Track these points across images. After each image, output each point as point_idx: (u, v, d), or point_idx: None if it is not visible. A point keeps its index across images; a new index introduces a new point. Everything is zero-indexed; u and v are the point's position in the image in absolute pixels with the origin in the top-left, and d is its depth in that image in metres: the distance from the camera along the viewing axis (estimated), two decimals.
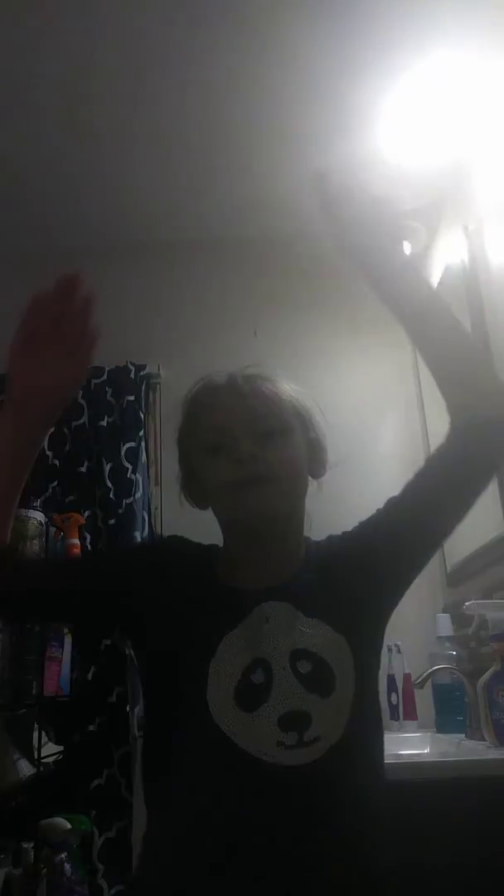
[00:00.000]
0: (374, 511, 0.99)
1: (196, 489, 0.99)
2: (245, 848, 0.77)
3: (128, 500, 2.28)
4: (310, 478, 0.98)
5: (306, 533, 0.98)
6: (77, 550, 1.99)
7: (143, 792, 0.91)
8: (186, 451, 0.99)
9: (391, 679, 2.03)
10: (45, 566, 1.23)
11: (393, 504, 0.99)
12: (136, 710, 2.00)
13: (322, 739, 0.81)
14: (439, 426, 2.28)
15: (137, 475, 2.33)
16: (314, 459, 0.98)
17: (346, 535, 0.98)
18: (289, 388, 0.98)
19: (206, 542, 0.99)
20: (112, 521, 2.26)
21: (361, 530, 0.97)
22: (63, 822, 1.76)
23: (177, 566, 0.94)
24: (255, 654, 0.84)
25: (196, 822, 0.80)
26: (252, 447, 0.89)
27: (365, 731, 0.87)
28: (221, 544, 0.98)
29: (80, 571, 1.03)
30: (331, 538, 0.99)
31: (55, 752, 1.90)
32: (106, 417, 2.42)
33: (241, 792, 0.80)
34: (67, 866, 1.71)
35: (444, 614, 2.01)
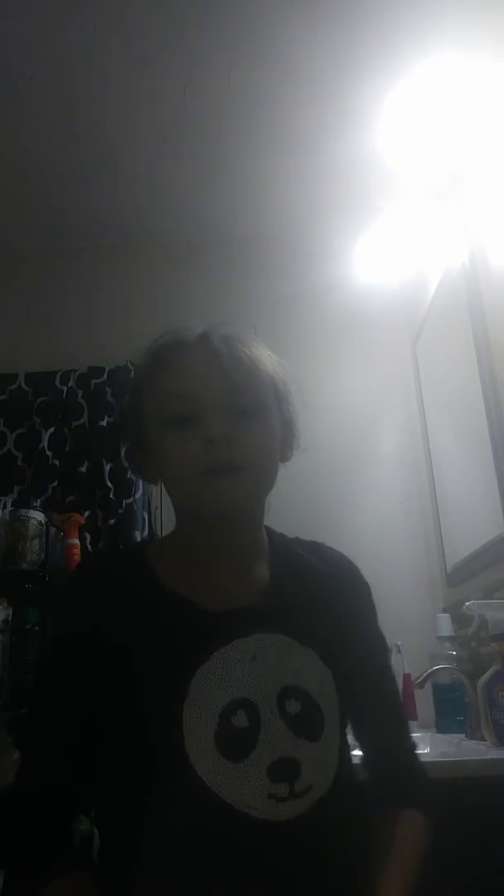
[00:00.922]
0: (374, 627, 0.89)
1: (148, 461, 0.84)
2: None
3: (128, 500, 2.29)
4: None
5: (289, 516, 0.91)
6: (77, 550, 1.99)
7: (103, 846, 0.77)
8: (141, 414, 0.83)
9: None
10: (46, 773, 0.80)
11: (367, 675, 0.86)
12: None
13: (313, 789, 0.73)
14: (439, 426, 2.29)
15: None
16: (285, 442, 0.85)
17: (342, 592, 0.86)
18: (267, 355, 0.85)
19: None
20: (112, 521, 2.26)
21: (355, 624, 0.85)
22: None
23: (112, 597, 0.79)
24: (235, 694, 0.73)
25: (186, 880, 0.70)
26: (225, 427, 0.76)
27: (349, 776, 0.79)
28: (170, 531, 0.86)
29: (60, 728, 0.78)
30: (319, 553, 0.89)
31: None
32: (106, 417, 2.42)
33: (227, 851, 0.70)
34: None
35: (444, 614, 2.01)
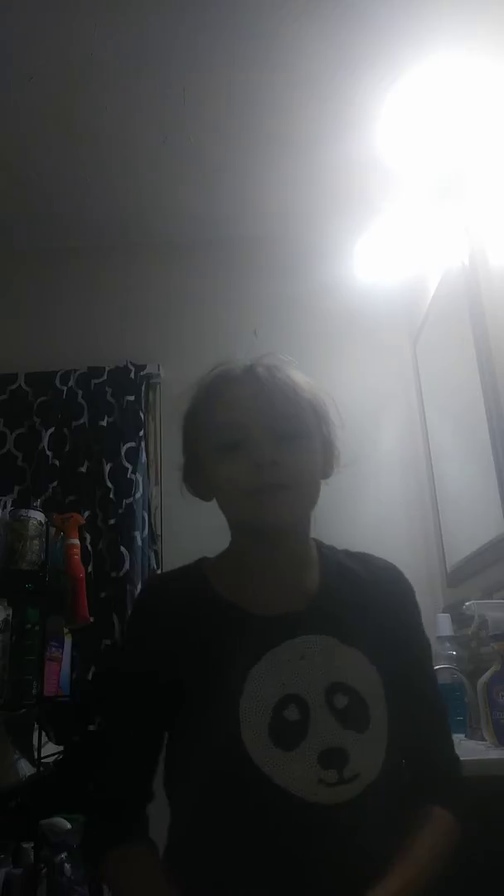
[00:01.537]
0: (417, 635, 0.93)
1: (202, 484, 0.94)
2: (284, 884, 0.75)
3: (128, 500, 2.29)
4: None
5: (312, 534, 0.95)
6: (77, 550, 1.99)
7: (172, 826, 0.86)
8: (195, 443, 0.93)
9: None
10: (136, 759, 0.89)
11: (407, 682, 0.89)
12: None
13: (361, 777, 0.79)
14: (439, 426, 2.29)
15: (137, 475, 2.33)
16: (326, 460, 0.94)
17: (392, 599, 0.92)
18: (306, 381, 0.93)
19: (210, 540, 0.95)
20: (112, 521, 2.26)
21: (400, 630, 0.91)
22: (63, 822, 1.75)
23: (174, 611, 0.88)
24: (286, 690, 0.81)
25: (235, 860, 0.78)
26: (272, 452, 0.84)
27: (396, 767, 0.84)
28: (228, 544, 0.94)
29: (145, 716, 0.87)
30: (367, 563, 0.95)
31: (55, 752, 1.90)
32: (106, 417, 2.42)
33: (280, 831, 0.78)
34: (67, 866, 1.71)
35: (444, 614, 2.00)
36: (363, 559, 0.96)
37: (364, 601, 0.90)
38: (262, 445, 0.85)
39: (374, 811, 0.80)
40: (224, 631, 0.86)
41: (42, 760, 1.73)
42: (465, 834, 0.87)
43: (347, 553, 0.98)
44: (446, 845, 0.84)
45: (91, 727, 2.02)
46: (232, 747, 0.79)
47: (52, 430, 2.39)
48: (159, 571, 2.28)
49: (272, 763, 0.78)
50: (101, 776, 0.89)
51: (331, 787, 0.78)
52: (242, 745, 0.79)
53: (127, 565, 2.20)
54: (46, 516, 1.93)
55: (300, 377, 0.92)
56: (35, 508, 1.94)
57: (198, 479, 0.94)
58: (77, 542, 2.01)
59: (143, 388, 2.48)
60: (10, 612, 1.79)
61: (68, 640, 2.00)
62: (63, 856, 1.71)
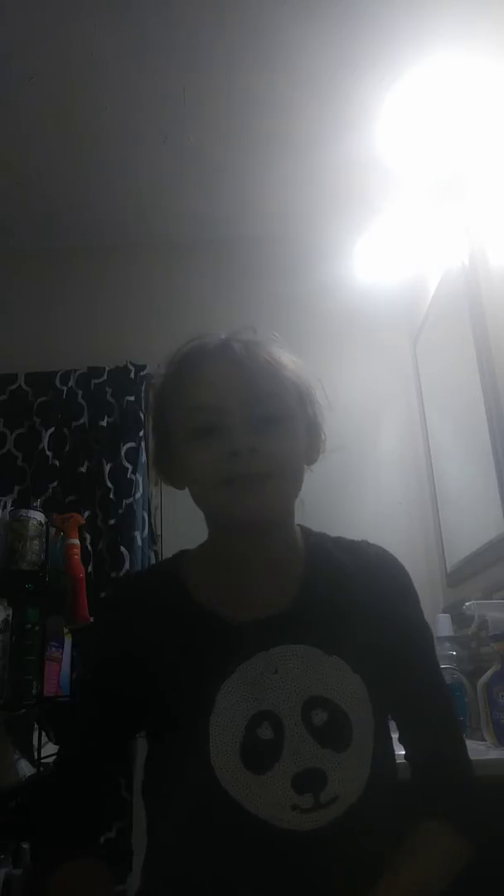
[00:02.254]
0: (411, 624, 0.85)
1: (174, 470, 0.85)
2: None
3: (128, 500, 2.28)
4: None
5: (298, 519, 0.87)
6: (77, 550, 1.99)
7: (147, 845, 0.82)
8: (165, 426, 0.84)
9: None
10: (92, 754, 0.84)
11: (407, 680, 0.83)
12: None
13: (340, 799, 0.72)
14: (439, 426, 2.28)
15: (137, 475, 2.33)
16: (311, 444, 0.85)
17: (380, 594, 0.83)
18: (289, 358, 0.84)
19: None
20: (112, 521, 2.26)
21: (393, 626, 0.82)
22: None
23: (142, 618, 0.81)
24: (259, 706, 0.74)
25: (206, 888, 0.72)
26: (250, 438, 0.75)
27: (385, 786, 0.77)
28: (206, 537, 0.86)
29: (103, 716, 0.81)
30: (358, 552, 0.87)
31: (55, 752, 1.90)
32: (106, 417, 2.41)
33: (252, 859, 0.71)
34: None
35: (444, 614, 2.00)
36: (354, 548, 0.88)
37: (353, 597, 0.82)
38: (238, 431, 0.76)
39: (358, 834, 0.73)
40: (193, 640, 0.79)
41: (42, 760, 1.73)
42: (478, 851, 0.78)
43: (338, 542, 0.89)
44: (443, 869, 0.75)
45: None
46: (201, 770, 0.72)
47: (52, 430, 2.39)
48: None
49: (242, 788, 0.72)
50: (51, 787, 0.83)
51: (306, 814, 0.71)
52: (211, 768, 0.72)
53: (127, 565, 2.20)
54: (46, 516, 1.93)
55: (282, 353, 0.83)
56: (35, 508, 1.94)
57: (169, 466, 0.85)
58: (77, 542, 2.01)
59: (143, 388, 2.48)
60: (10, 612, 1.79)
61: (68, 640, 2.00)
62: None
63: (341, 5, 1.75)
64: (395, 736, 0.85)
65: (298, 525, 0.88)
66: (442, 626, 1.96)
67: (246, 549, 0.81)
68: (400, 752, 0.84)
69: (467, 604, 1.68)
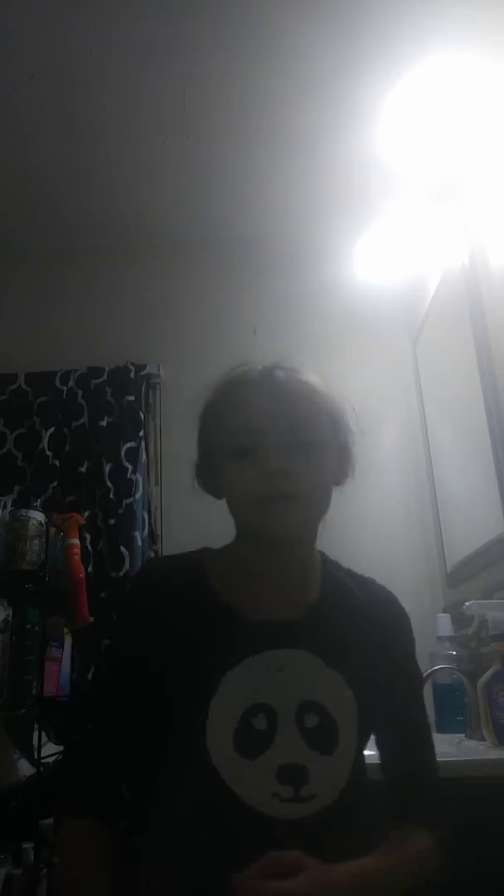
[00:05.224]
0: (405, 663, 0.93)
1: (213, 482, 0.93)
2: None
3: (128, 500, 2.28)
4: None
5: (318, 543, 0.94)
6: (77, 550, 1.99)
7: (133, 814, 0.86)
8: (208, 444, 0.92)
9: None
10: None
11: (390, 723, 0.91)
12: None
13: (318, 798, 0.79)
14: (439, 426, 2.28)
15: (137, 475, 2.33)
16: (340, 468, 0.92)
17: (380, 629, 0.91)
18: (323, 388, 0.92)
19: (209, 541, 0.95)
20: (112, 521, 2.26)
21: (387, 665, 0.90)
22: None
23: (165, 601, 0.87)
24: (259, 698, 0.81)
25: (188, 860, 0.77)
26: (283, 461, 0.83)
27: (359, 795, 0.84)
28: (233, 540, 0.93)
29: (133, 693, 0.85)
30: (367, 587, 0.94)
31: (55, 752, 1.90)
32: (106, 417, 2.42)
33: (230, 837, 0.77)
34: None
35: (444, 614, 2.00)
36: (364, 583, 0.96)
37: (357, 623, 0.89)
38: (273, 453, 0.83)
39: (328, 833, 0.78)
40: (210, 628, 0.85)
41: (42, 760, 1.73)
42: (464, 834, 0.86)
43: (350, 573, 0.97)
44: (418, 863, 0.82)
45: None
46: (195, 746, 0.79)
47: (52, 430, 2.39)
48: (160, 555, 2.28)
49: (231, 768, 0.78)
50: (81, 747, 0.89)
51: (284, 803, 0.78)
52: (205, 746, 0.78)
53: (127, 565, 2.20)
54: (46, 516, 1.93)
55: (318, 382, 0.91)
56: (35, 508, 1.94)
57: (209, 479, 0.93)
58: (77, 542, 2.01)
59: (143, 388, 2.48)
60: (10, 612, 1.79)
61: (68, 640, 2.00)
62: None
63: (342, 5, 1.75)
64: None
65: (318, 550, 0.95)
66: (442, 626, 1.96)
67: (271, 560, 0.88)
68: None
69: (467, 604, 1.68)
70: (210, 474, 0.93)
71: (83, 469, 2.35)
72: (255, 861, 0.72)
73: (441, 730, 1.82)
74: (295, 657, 0.83)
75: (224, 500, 0.91)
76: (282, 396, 0.86)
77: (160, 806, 0.81)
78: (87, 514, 2.25)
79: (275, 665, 0.83)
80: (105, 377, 2.47)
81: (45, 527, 1.89)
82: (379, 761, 0.92)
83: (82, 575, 1.97)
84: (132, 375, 2.47)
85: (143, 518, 2.31)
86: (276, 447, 0.83)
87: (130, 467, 2.34)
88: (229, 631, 0.85)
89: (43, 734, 1.77)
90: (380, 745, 0.92)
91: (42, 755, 1.73)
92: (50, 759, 1.84)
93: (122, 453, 2.35)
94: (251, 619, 0.86)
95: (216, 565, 0.92)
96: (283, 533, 0.84)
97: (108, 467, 2.33)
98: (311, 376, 0.91)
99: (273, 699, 0.81)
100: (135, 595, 0.94)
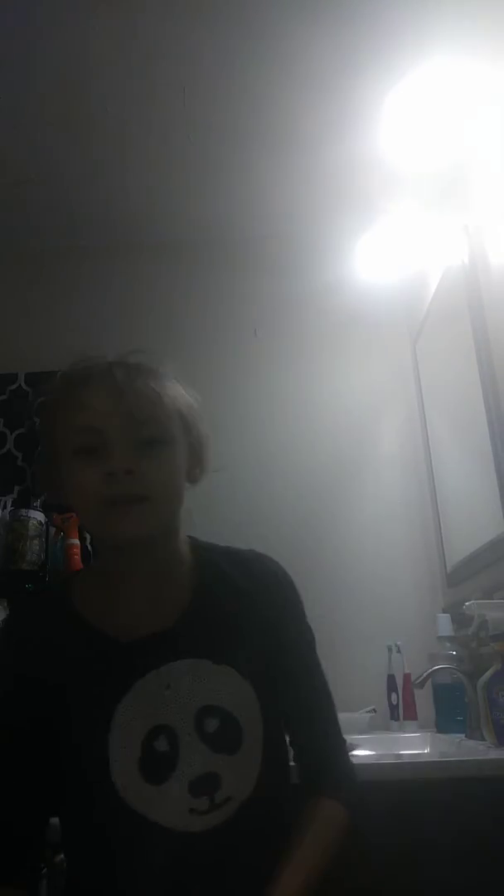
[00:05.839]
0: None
1: (57, 485, 0.85)
2: None
3: None
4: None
5: (190, 532, 0.91)
6: (77, 550, 1.99)
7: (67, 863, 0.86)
8: (50, 441, 0.86)
9: (391, 679, 2.03)
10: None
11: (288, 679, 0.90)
12: None
13: (233, 799, 0.79)
14: (439, 426, 2.28)
15: None
16: (193, 464, 0.88)
17: (267, 606, 0.88)
18: (171, 384, 0.87)
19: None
20: None
21: (275, 634, 0.88)
22: None
23: (34, 653, 0.83)
24: (156, 720, 0.79)
25: (108, 893, 0.78)
26: (128, 460, 0.78)
27: (275, 782, 0.84)
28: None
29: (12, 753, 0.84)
30: (244, 564, 0.90)
31: None
32: None
33: (159, 865, 0.76)
34: None
35: (444, 614, 2.00)
36: (241, 560, 0.92)
37: (239, 610, 0.86)
38: (117, 453, 0.78)
39: (252, 827, 0.79)
40: (86, 661, 0.82)
41: None
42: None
43: (227, 553, 0.93)
44: (336, 832, 0.83)
45: None
46: (104, 789, 0.77)
47: None
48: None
49: (144, 800, 0.77)
50: None
51: (203, 815, 0.78)
52: (113, 786, 0.77)
53: None
54: (46, 516, 1.93)
55: (165, 378, 0.86)
56: (35, 508, 1.94)
57: (55, 484, 0.85)
58: (77, 542, 2.01)
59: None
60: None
61: None
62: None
63: (342, 5, 1.75)
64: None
65: (189, 537, 0.91)
66: (442, 626, 1.96)
67: (128, 566, 0.84)
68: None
69: (467, 604, 1.68)
70: (53, 475, 0.86)
71: None
72: (181, 879, 0.74)
73: (441, 730, 1.82)
74: (179, 668, 0.81)
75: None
76: (124, 394, 0.80)
77: (79, 850, 0.81)
78: None
79: (161, 684, 0.80)
80: None
81: (45, 527, 1.89)
82: (287, 733, 0.91)
83: None
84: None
85: None
86: (119, 446, 0.79)
87: None
88: (107, 659, 0.82)
89: None
90: (286, 719, 0.90)
91: None
92: None
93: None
94: (124, 642, 0.82)
95: (80, 590, 0.88)
96: (132, 536, 0.78)
97: None
98: (158, 372, 0.86)
99: (169, 717, 0.79)
100: (4, 642, 0.88)
